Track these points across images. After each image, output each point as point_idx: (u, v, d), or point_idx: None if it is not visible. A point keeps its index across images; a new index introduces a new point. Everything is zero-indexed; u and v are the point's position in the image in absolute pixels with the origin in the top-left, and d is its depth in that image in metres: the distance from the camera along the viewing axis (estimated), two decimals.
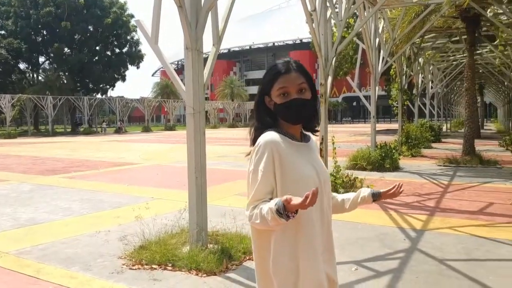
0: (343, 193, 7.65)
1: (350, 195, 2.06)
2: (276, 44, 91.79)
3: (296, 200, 1.51)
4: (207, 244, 4.69)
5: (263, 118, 1.86)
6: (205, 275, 4.16)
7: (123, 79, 54.63)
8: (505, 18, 13.58)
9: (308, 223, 1.76)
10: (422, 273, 4.17)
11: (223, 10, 5.12)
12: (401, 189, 2.05)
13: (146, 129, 47.17)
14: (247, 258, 4.60)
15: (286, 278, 1.75)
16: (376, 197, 2.03)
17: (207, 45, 4.89)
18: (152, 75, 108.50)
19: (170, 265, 4.37)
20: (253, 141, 1.86)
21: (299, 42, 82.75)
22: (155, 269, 4.32)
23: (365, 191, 2.03)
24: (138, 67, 55.57)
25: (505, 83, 28.26)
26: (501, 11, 12.41)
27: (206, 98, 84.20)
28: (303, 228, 1.76)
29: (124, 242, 5.11)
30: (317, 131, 1.97)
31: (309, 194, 1.48)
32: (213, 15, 4.81)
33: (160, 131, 48.47)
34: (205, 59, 4.75)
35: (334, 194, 2.06)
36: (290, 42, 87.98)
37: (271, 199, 1.73)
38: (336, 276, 1.91)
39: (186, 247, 4.66)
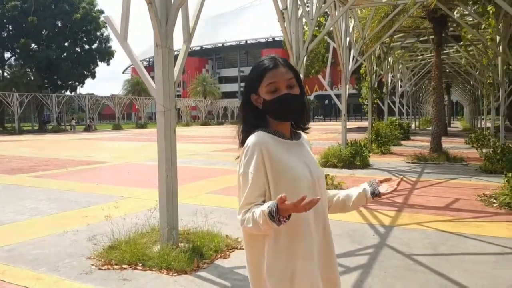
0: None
1: (352, 193, 1.94)
2: (248, 41, 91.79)
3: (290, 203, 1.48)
4: (178, 243, 4.67)
5: (250, 118, 1.80)
6: (176, 274, 4.13)
7: (93, 76, 53.56)
8: (471, 19, 13.97)
9: (303, 225, 1.71)
10: (390, 268, 4.26)
11: (193, 7, 5.10)
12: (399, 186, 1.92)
13: (117, 127, 46.42)
14: (219, 256, 4.60)
15: (281, 283, 1.70)
16: (375, 196, 1.91)
17: (178, 42, 4.87)
18: (123, 72, 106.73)
19: (140, 264, 4.32)
20: (242, 143, 1.81)
21: (272, 40, 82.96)
22: (125, 269, 4.27)
23: (362, 194, 1.92)
24: (108, 64, 54.57)
25: (471, 82, 29.12)
26: (466, 12, 12.76)
27: (178, 96, 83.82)
28: (298, 231, 1.70)
29: (93, 242, 5.02)
30: (308, 128, 1.92)
31: (305, 196, 1.45)
32: (183, 12, 4.77)
33: (131, 129, 47.79)
34: (176, 57, 4.73)
35: (334, 192, 1.98)
36: (263, 40, 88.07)
37: (264, 201, 1.68)
38: (337, 278, 1.85)
39: (156, 246, 4.62)
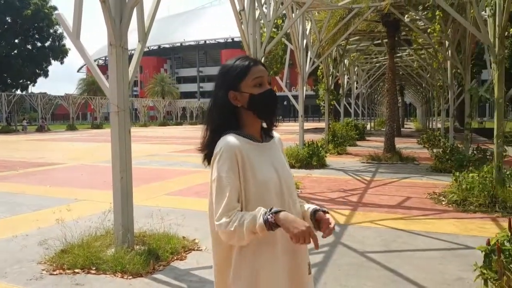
0: None
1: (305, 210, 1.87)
2: (208, 42, 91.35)
3: (288, 224, 1.53)
4: (134, 246, 4.59)
5: (223, 119, 1.76)
6: (131, 277, 4.07)
7: (46, 74, 51.81)
8: (422, 24, 14.51)
9: (272, 235, 1.67)
10: (344, 266, 4.36)
11: (149, 6, 5.04)
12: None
13: (71, 128, 44.96)
14: (175, 258, 4.57)
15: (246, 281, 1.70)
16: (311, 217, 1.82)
17: (134, 41, 4.79)
18: (78, 71, 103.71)
19: (94, 268, 4.22)
20: (209, 145, 1.78)
21: (231, 40, 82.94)
22: (78, 273, 4.16)
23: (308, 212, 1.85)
24: (62, 63, 52.95)
25: (423, 84, 30.21)
26: (418, 17, 13.24)
27: (136, 96, 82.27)
28: (264, 236, 1.66)
29: (44, 246, 4.85)
30: (274, 128, 1.89)
31: (309, 231, 1.53)
32: (138, 11, 4.70)
33: (87, 129, 46.49)
34: (132, 56, 4.66)
35: (300, 200, 1.94)
36: (222, 41, 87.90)
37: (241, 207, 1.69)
38: (306, 281, 1.82)
39: (111, 250, 4.53)
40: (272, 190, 1.71)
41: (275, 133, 1.92)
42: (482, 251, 3.39)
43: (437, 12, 9.86)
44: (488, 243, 3.34)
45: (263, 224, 1.55)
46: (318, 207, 1.85)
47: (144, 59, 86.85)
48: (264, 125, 1.86)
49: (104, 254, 4.40)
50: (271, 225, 1.55)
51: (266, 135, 1.85)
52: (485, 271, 3.32)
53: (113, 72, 4.37)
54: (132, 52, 4.78)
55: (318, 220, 1.79)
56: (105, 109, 51.20)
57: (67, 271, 4.20)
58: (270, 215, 1.56)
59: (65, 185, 9.39)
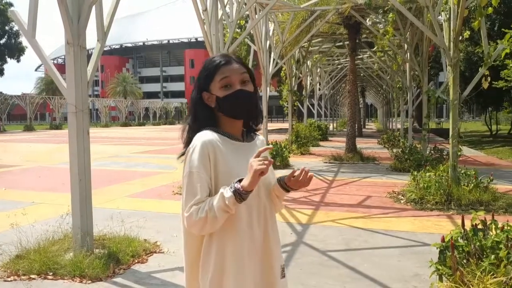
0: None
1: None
2: (171, 41, 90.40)
3: (250, 178, 1.52)
4: (93, 249, 4.49)
5: (201, 118, 1.73)
6: (90, 281, 3.97)
7: (1, 73, 49.78)
8: (382, 27, 14.87)
9: (236, 222, 1.68)
10: (306, 265, 4.41)
11: (109, 5, 4.94)
12: (307, 175, 1.71)
13: (29, 128, 43.45)
14: (136, 261, 4.50)
15: (212, 282, 1.68)
16: (282, 185, 1.76)
17: (93, 40, 4.69)
18: (36, 70, 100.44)
19: (51, 274, 4.10)
20: (187, 143, 1.75)
21: (195, 40, 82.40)
22: (34, 279, 4.02)
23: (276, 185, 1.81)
24: (18, 61, 51.00)
25: (383, 86, 30.96)
26: (378, 20, 13.56)
27: (97, 96, 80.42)
28: (229, 228, 1.67)
29: None
30: (258, 129, 1.86)
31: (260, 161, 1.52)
32: (97, 9, 4.60)
33: (45, 130, 45.06)
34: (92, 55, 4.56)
35: None
36: (186, 40, 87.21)
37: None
38: (276, 283, 1.78)
39: (69, 254, 4.41)
40: None
41: (259, 135, 1.88)
42: (437, 248, 3.51)
43: (390, 15, 10.12)
44: (443, 240, 3.46)
45: (232, 195, 1.55)
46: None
47: (105, 58, 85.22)
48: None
49: (62, 259, 4.28)
50: (240, 193, 1.54)
51: (248, 135, 1.82)
52: (439, 267, 3.44)
53: (70, 72, 4.26)
54: (92, 51, 4.68)
55: (289, 181, 1.73)
56: (65, 109, 49.65)
57: (22, 277, 4.06)
58: (236, 183, 1.57)
59: (22, 187, 9.07)
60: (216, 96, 1.69)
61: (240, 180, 1.57)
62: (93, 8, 4.44)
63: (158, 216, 6.41)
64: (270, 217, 1.81)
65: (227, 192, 1.56)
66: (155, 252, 4.81)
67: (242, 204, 1.59)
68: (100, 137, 27.99)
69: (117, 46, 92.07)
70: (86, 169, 4.44)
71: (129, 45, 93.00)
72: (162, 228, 5.70)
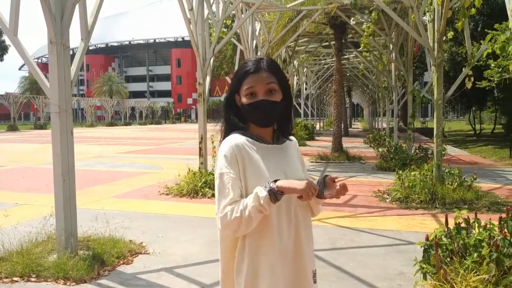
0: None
1: None
2: (157, 40, 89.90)
3: (290, 184, 1.55)
4: (77, 251, 4.44)
5: (231, 119, 1.78)
6: (74, 283, 3.93)
7: None
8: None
9: (268, 226, 1.68)
10: None
11: (93, 3, 4.88)
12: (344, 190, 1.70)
13: (13, 128, 42.81)
14: (121, 262, 4.46)
15: (246, 283, 1.70)
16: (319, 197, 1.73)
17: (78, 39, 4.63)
18: (19, 69, 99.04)
19: (34, 276, 4.04)
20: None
21: (181, 40, 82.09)
22: (16, 281, 3.96)
23: None
24: (1, 60, 50.23)
25: (369, 86, 31.19)
26: (364, 20, 13.65)
27: (82, 95, 79.61)
28: (262, 231, 1.68)
29: None
30: (290, 134, 1.87)
31: (310, 184, 1.54)
32: (81, 8, 4.55)
33: (29, 130, 44.47)
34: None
35: None
36: (172, 39, 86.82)
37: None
38: (306, 281, 1.79)
39: (53, 256, 4.35)
40: None
41: (293, 138, 1.90)
42: (421, 247, 3.55)
43: (374, 14, 10.18)
44: (427, 239, 3.50)
45: (267, 195, 1.57)
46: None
47: (91, 58, 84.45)
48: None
49: (45, 261, 4.22)
50: (275, 193, 1.57)
51: (279, 138, 1.82)
52: (424, 266, 3.47)
53: (54, 71, 4.20)
54: (76, 50, 4.63)
55: (329, 186, 1.72)
56: (49, 109, 49.08)
57: (5, 279, 3.99)
58: (272, 183, 1.58)
59: (4, 188, 8.93)
60: (241, 102, 1.74)
61: (275, 181, 1.59)
62: (77, 6, 4.40)
63: (144, 217, 6.36)
64: (303, 220, 1.80)
65: (261, 191, 1.59)
66: (141, 253, 4.78)
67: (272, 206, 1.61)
68: (85, 137, 27.72)
69: (102, 45, 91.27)
70: (70, 169, 4.39)
71: (115, 44, 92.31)
72: (148, 229, 5.66)
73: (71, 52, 4.45)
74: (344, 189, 1.69)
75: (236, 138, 1.72)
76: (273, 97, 1.71)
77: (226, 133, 1.80)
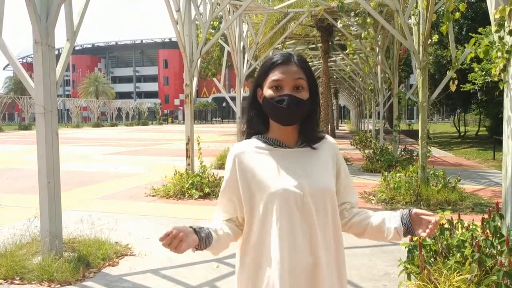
0: (209, 192, 7.64)
1: (384, 227, 1.60)
2: (144, 41, 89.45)
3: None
4: (62, 253, 4.40)
5: (252, 121, 1.63)
6: (58, 285, 3.90)
7: None
8: (355, 29, 15.10)
9: (267, 253, 1.53)
10: None
11: (79, 3, 4.85)
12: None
13: None
14: (107, 264, 4.43)
15: None
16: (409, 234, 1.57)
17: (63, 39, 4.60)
18: (4, 69, 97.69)
19: (18, 278, 4.00)
20: None
21: (169, 41, 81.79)
22: (0, 284, 3.92)
23: (396, 227, 1.57)
24: None
25: (356, 88, 31.39)
26: (350, 23, 13.76)
27: (68, 96, 78.82)
28: (261, 261, 1.54)
29: None
30: (314, 138, 1.62)
31: (169, 232, 1.41)
32: (67, 8, 4.52)
33: (14, 130, 43.85)
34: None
35: (367, 216, 1.65)
36: (159, 40, 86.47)
37: (230, 219, 1.63)
38: None
39: (37, 258, 4.31)
40: (289, 201, 1.51)
41: (329, 138, 1.68)
42: (405, 247, 3.59)
43: (368, 19, 10.31)
44: (411, 239, 3.54)
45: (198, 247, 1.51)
46: (403, 215, 1.57)
47: (77, 58, 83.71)
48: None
49: (29, 263, 4.18)
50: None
51: (303, 141, 1.61)
52: (408, 266, 3.52)
53: (39, 72, 4.17)
54: (62, 50, 4.59)
55: (416, 221, 1.55)
56: (34, 110, 48.49)
57: None
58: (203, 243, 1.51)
59: None
60: (264, 95, 1.57)
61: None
62: (63, 6, 4.37)
63: (130, 218, 6.33)
64: (323, 243, 1.54)
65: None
66: (127, 254, 4.76)
67: (280, 219, 1.49)
68: (71, 138, 27.45)
69: (89, 46, 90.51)
70: (55, 171, 4.35)
71: (102, 44, 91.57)
72: (134, 231, 5.63)
73: (56, 52, 4.42)
74: (435, 226, 1.50)
75: (245, 144, 1.61)
76: (299, 94, 1.53)
77: (246, 136, 1.66)
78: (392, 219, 1.59)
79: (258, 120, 1.61)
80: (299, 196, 1.50)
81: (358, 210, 1.69)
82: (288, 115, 1.52)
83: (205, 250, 1.53)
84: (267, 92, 1.55)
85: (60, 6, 4.23)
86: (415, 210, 1.55)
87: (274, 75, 1.53)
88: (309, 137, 1.61)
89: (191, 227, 1.47)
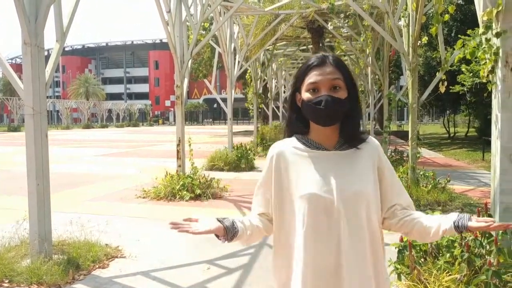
0: (200, 193, 7.64)
1: (433, 223, 1.59)
2: (135, 42, 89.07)
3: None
4: (52, 255, 4.36)
5: (293, 120, 1.65)
6: None
7: None
8: (345, 31, 15.18)
9: (293, 252, 1.57)
10: (270, 266, 4.43)
11: (69, 4, 4.83)
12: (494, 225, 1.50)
13: None
14: (97, 266, 4.41)
15: None
16: (461, 229, 1.55)
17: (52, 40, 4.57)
18: None
19: (6, 281, 3.96)
20: None
21: (160, 42, 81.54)
22: None
23: (446, 224, 1.56)
24: None
25: None
26: (340, 25, 13.83)
27: (58, 97, 78.23)
28: (290, 258, 1.59)
29: None
30: (356, 140, 1.61)
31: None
32: (56, 9, 4.49)
33: (3, 132, 43.41)
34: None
35: (418, 216, 1.64)
36: (150, 41, 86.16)
37: (263, 213, 1.68)
38: None
39: (26, 260, 4.27)
40: (318, 206, 1.52)
41: (372, 140, 1.66)
42: (396, 248, 3.61)
43: (365, 22, 10.34)
44: (401, 240, 3.56)
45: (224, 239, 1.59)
46: (454, 220, 1.55)
47: (67, 59, 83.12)
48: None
49: (18, 266, 4.14)
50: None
51: (346, 141, 1.60)
52: (398, 266, 3.54)
53: (28, 73, 4.13)
54: (52, 51, 4.56)
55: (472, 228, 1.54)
56: (23, 111, 48.05)
57: None
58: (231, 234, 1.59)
59: None
60: (302, 98, 1.59)
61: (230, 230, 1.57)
62: (52, 7, 4.34)
63: (120, 220, 6.29)
64: (355, 247, 1.53)
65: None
66: (117, 256, 4.73)
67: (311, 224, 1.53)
68: (61, 139, 27.24)
69: (79, 47, 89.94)
70: (44, 172, 4.32)
71: (92, 45, 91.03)
72: (124, 232, 5.60)
73: (46, 53, 4.39)
74: (495, 228, 1.52)
75: (282, 144, 1.64)
76: (337, 93, 1.54)
77: (288, 135, 1.69)
78: (443, 223, 1.57)
79: (299, 122, 1.63)
80: (329, 201, 1.51)
81: (410, 211, 1.67)
82: (327, 116, 1.53)
83: (234, 242, 1.60)
84: (305, 95, 1.57)
85: (50, 7, 4.20)
86: (471, 224, 1.52)
87: (310, 78, 1.56)
88: (350, 137, 1.60)
89: (217, 219, 1.56)
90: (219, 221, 1.54)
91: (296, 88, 1.63)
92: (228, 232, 1.53)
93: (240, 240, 1.60)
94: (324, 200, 1.51)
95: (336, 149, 1.59)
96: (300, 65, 1.70)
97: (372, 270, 1.57)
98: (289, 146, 1.61)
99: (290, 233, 1.58)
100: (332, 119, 1.54)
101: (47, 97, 4.48)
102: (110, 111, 66.59)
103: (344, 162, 1.57)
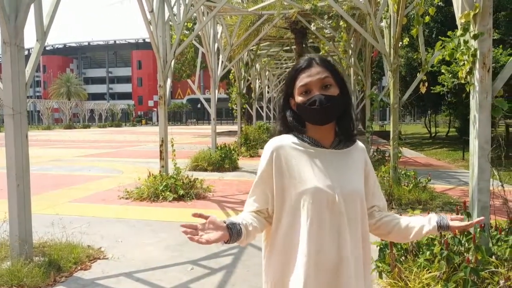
0: (183, 194, 7.62)
1: (415, 224, 1.69)
2: (117, 42, 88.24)
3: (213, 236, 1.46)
4: (32, 257, 4.31)
5: (289, 122, 1.65)
6: None
7: None
8: (328, 32, 15.28)
9: (294, 251, 1.57)
10: (252, 266, 4.45)
11: (49, 3, 4.77)
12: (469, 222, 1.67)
13: None
14: (79, 268, 4.37)
15: None
16: (444, 229, 1.67)
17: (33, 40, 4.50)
18: None
19: None
20: None
21: (142, 41, 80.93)
22: None
23: (429, 225, 1.66)
24: None
25: None
26: (323, 26, 13.91)
27: (38, 97, 77.03)
28: (289, 257, 1.58)
29: None
30: (353, 135, 1.66)
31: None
32: (36, 8, 4.44)
33: None
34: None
35: (396, 217, 1.73)
36: (133, 41, 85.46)
37: (259, 210, 1.64)
38: None
39: (6, 263, 4.21)
40: (321, 202, 1.54)
41: (359, 143, 1.71)
42: (377, 246, 3.66)
43: (342, 22, 10.45)
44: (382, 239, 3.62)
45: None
46: (437, 221, 1.67)
47: (48, 58, 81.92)
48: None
49: None
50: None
51: (340, 142, 1.64)
52: (379, 265, 3.59)
53: (7, 73, 4.07)
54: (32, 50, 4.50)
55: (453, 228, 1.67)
56: (3, 111, 47.20)
57: None
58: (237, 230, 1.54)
59: None
60: (296, 102, 1.62)
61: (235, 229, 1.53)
62: (32, 6, 4.28)
63: (102, 222, 6.24)
64: (355, 240, 1.59)
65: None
66: (99, 258, 4.69)
67: (311, 220, 1.54)
68: (42, 140, 26.85)
69: (60, 46, 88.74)
70: (25, 173, 4.26)
71: (73, 44, 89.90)
72: (107, 234, 5.56)
73: (26, 53, 4.34)
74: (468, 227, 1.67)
75: (282, 139, 1.63)
76: (329, 91, 1.57)
77: (278, 133, 1.70)
78: (427, 224, 1.67)
79: (296, 123, 1.65)
80: (331, 196, 1.54)
81: (387, 213, 1.76)
82: (322, 114, 1.56)
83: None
84: (298, 98, 1.60)
85: (30, 6, 4.14)
86: (452, 224, 1.66)
87: (301, 81, 1.59)
88: (346, 135, 1.65)
89: (224, 222, 1.52)
90: (228, 228, 1.51)
91: (289, 93, 1.66)
92: (232, 240, 1.52)
93: (239, 243, 1.59)
94: (327, 195, 1.54)
95: (332, 147, 1.63)
96: (284, 65, 1.73)
97: (363, 267, 1.62)
98: (288, 141, 1.62)
99: (291, 227, 1.57)
100: (329, 116, 1.58)
101: (28, 97, 4.42)
102: (92, 111, 65.83)
103: (340, 161, 1.61)
